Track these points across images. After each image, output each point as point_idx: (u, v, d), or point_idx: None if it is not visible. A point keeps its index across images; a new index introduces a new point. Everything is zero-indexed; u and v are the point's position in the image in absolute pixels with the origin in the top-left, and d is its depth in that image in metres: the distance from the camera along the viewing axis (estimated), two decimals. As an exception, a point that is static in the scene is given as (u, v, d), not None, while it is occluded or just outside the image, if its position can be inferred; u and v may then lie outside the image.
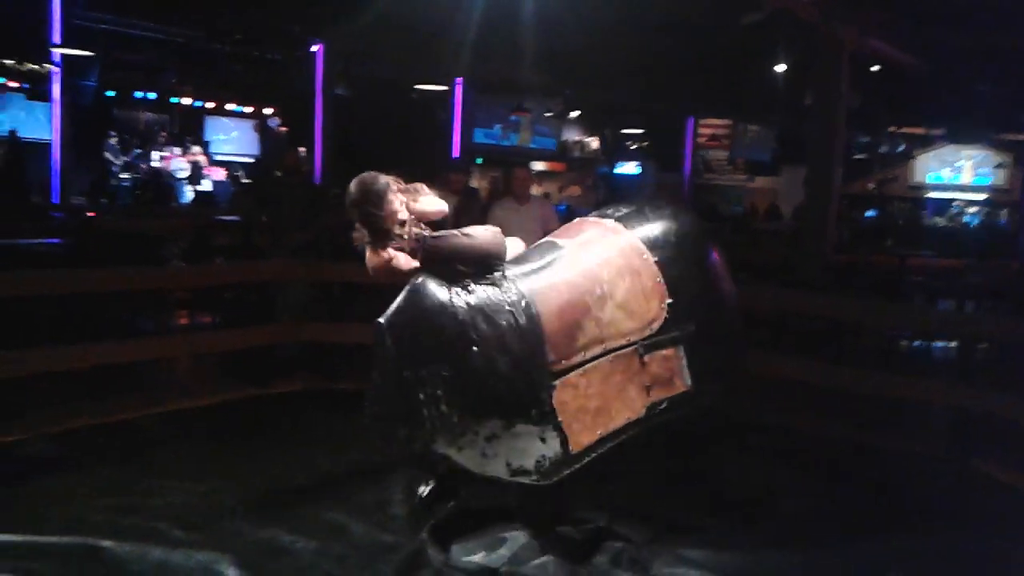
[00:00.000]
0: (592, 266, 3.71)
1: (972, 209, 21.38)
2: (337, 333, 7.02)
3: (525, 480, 3.63)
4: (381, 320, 3.42)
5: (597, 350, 3.60)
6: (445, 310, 3.44)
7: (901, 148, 22.36)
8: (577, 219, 4.17)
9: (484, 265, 3.57)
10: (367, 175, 3.55)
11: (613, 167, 24.14)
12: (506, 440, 3.55)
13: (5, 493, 4.13)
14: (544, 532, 3.77)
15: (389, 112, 16.69)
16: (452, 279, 3.51)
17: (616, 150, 24.08)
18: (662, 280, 3.72)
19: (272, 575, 3.41)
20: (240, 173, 17.44)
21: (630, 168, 24.30)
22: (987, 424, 5.46)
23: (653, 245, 3.78)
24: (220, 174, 17.04)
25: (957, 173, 21.21)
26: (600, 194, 23.23)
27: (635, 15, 10.59)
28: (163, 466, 4.57)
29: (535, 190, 6.98)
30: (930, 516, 4.44)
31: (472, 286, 3.52)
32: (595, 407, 3.61)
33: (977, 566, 3.88)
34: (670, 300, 3.70)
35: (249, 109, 18.70)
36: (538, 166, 20.69)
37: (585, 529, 3.91)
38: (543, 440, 3.55)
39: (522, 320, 3.51)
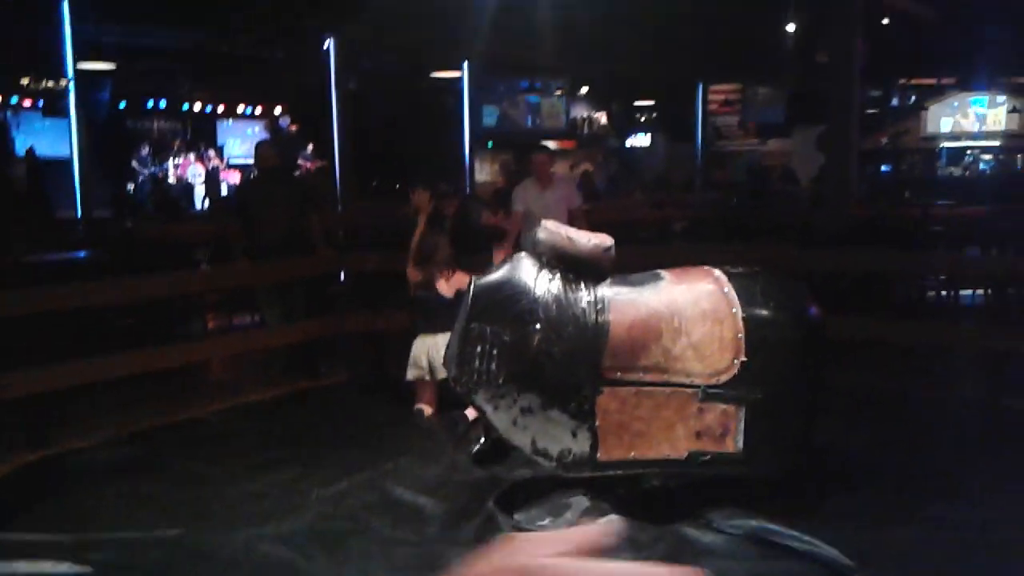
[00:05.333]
0: (678, 300, 3.83)
1: (987, 156, 21.28)
2: (380, 322, 7.18)
3: (545, 463, 3.83)
4: (475, 278, 3.90)
5: (657, 377, 3.74)
6: (526, 286, 3.79)
7: (912, 100, 22.24)
8: (698, 267, 4.13)
9: (578, 267, 3.93)
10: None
11: (624, 141, 24.13)
12: (539, 419, 3.75)
13: (90, 497, 4.28)
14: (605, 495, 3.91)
15: (400, 103, 16.77)
16: (548, 266, 3.90)
17: (626, 124, 24.07)
18: (743, 337, 3.73)
19: (359, 552, 3.56)
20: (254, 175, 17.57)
21: (642, 141, 24.30)
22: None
23: (748, 303, 3.81)
24: (236, 178, 17.20)
25: (971, 120, 21.10)
26: (612, 169, 23.25)
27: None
28: (234, 458, 4.73)
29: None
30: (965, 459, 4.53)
31: (559, 277, 3.86)
32: (637, 429, 3.74)
33: None
34: (744, 359, 3.72)
35: (259, 110, 18.83)
36: (548, 144, 20.71)
37: (646, 488, 4.05)
38: (574, 435, 3.75)
39: (590, 319, 3.75)
